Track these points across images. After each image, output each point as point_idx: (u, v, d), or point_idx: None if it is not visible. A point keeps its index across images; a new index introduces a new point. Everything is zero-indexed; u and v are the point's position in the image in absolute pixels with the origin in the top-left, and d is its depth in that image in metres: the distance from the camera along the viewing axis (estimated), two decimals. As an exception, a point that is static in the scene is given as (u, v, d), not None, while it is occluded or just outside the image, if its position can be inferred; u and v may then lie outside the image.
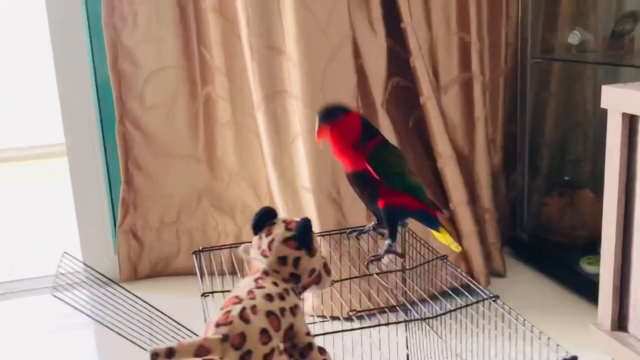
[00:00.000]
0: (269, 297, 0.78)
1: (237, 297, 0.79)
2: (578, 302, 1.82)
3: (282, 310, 0.78)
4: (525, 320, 0.93)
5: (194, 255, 1.21)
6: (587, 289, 1.81)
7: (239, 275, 1.19)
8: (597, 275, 1.77)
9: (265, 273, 0.83)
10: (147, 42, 1.97)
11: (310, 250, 0.84)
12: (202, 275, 1.15)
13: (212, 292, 1.07)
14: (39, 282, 2.14)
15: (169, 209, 2.11)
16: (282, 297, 0.80)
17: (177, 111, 2.03)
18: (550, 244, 2.03)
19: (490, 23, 1.99)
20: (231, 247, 1.26)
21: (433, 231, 1.21)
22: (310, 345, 0.81)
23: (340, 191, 1.81)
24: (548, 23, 2.01)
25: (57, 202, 3.07)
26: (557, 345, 0.86)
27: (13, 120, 4.03)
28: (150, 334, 0.94)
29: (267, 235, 0.85)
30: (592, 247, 1.93)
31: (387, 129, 1.83)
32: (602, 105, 1.39)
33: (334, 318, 0.94)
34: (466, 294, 1.03)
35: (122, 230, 2.09)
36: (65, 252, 1.06)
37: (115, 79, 1.99)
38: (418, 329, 1.19)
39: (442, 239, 1.20)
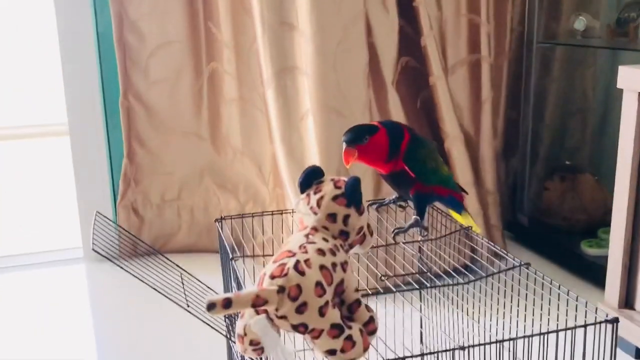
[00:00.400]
0: (321, 252, 0.79)
1: (289, 251, 0.78)
2: (579, 284, 1.85)
3: (334, 265, 0.79)
4: (560, 285, 0.94)
5: (216, 223, 1.21)
6: (587, 271, 1.84)
7: (245, 247, 1.19)
8: (598, 257, 1.82)
9: (315, 229, 0.83)
10: (153, 15, 1.96)
11: (359, 209, 0.84)
12: (225, 242, 1.14)
13: (240, 257, 1.07)
14: (39, 257, 2.12)
15: (170, 186, 2.09)
16: (333, 253, 0.80)
17: (181, 87, 2.02)
18: (551, 227, 2.06)
19: (496, 7, 2.00)
20: (253, 216, 1.26)
21: (453, 213, 1.22)
22: (358, 301, 0.82)
23: (348, 169, 1.80)
24: (553, 8, 2.03)
25: (58, 175, 3.02)
26: (596, 307, 0.87)
27: (7, 102, 3.96)
28: (185, 294, 0.93)
29: (316, 192, 0.85)
30: (592, 230, 1.97)
31: (396, 109, 1.84)
32: (618, 86, 1.41)
33: (375, 294, 0.95)
34: (497, 262, 1.04)
35: (122, 205, 2.07)
36: (97, 212, 1.04)
37: (120, 52, 1.96)
38: (446, 298, 1.20)
39: (463, 220, 1.22)
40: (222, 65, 1.99)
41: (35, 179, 3.19)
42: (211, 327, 0.94)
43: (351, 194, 0.84)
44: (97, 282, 1.96)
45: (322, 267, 0.77)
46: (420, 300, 1.28)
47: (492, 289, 1.00)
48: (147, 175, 2.07)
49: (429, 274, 1.01)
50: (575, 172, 2.06)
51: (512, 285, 0.99)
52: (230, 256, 1.08)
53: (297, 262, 0.76)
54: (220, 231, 1.20)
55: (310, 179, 0.86)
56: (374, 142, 1.08)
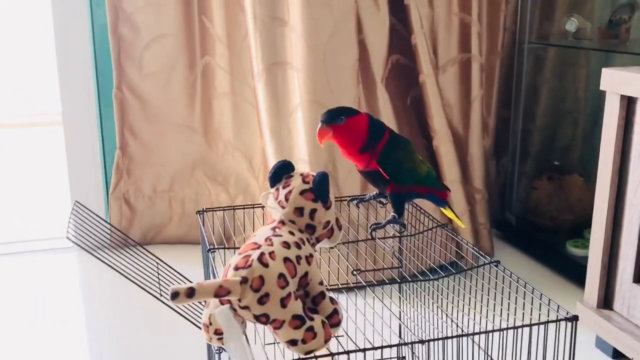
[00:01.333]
0: (286, 245, 0.80)
1: (255, 243, 0.80)
2: (563, 283, 1.86)
3: (298, 258, 0.80)
4: (526, 283, 0.96)
5: (197, 215, 1.23)
6: (572, 271, 1.85)
7: (234, 240, 1.21)
8: (583, 257, 1.83)
9: (282, 223, 0.85)
10: (147, 8, 1.97)
11: (326, 203, 0.86)
12: (204, 234, 1.16)
13: (217, 248, 1.09)
14: (32, 245, 2.14)
15: (162, 177, 2.11)
16: (298, 246, 0.82)
17: (174, 79, 2.03)
18: (538, 227, 2.07)
19: (489, 7, 2.02)
20: (234, 209, 1.28)
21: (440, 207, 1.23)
22: (322, 294, 0.84)
23: (336, 164, 1.83)
24: (546, 9, 2.04)
25: (50, 165, 3.06)
26: (558, 305, 0.89)
27: (3, 92, 4.00)
28: (159, 284, 0.95)
29: (285, 187, 0.87)
30: (579, 230, 1.98)
31: (385, 106, 1.86)
32: (602, 88, 1.42)
33: (348, 288, 0.96)
34: (469, 260, 1.06)
35: (114, 196, 2.09)
36: (76, 202, 1.06)
37: (114, 44, 1.98)
38: (420, 297, 1.21)
39: (448, 214, 1.23)
40: (215, 59, 2.01)
41: (30, 167, 3.22)
42: (183, 316, 0.96)
43: (318, 188, 0.85)
44: (88, 270, 1.99)
45: (286, 260, 0.79)
46: (391, 296, 1.30)
47: (461, 286, 1.02)
48: (139, 167, 2.09)
49: (400, 270, 1.03)
50: (563, 172, 2.07)
51: (482, 283, 1.01)
52: (208, 248, 1.11)
53: (262, 254, 0.78)
54: (201, 223, 1.22)
55: (280, 173, 0.88)
56: (351, 124, 1.08)
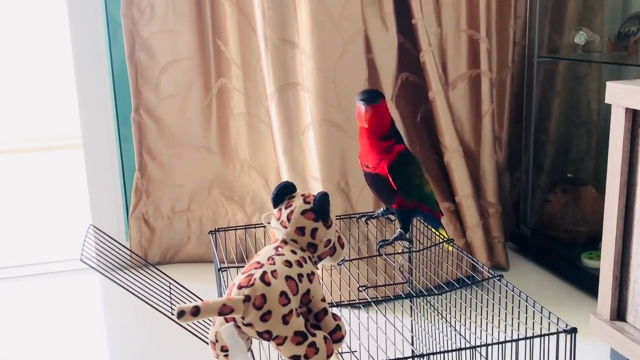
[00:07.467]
0: (287, 263, 0.84)
1: (258, 262, 0.84)
2: (578, 295, 1.86)
3: (300, 276, 0.83)
4: (527, 296, 0.97)
5: (210, 235, 1.26)
6: (587, 283, 1.85)
7: (246, 259, 1.24)
8: (597, 269, 1.82)
9: (284, 242, 0.88)
10: (163, 34, 2.03)
11: (327, 222, 0.89)
12: (218, 252, 1.20)
13: (228, 267, 1.12)
14: (54, 266, 2.20)
15: (180, 197, 2.16)
16: (300, 264, 0.85)
17: (191, 102, 2.08)
18: (553, 239, 2.07)
19: (498, 22, 2.04)
20: (245, 228, 1.31)
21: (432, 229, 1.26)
22: (325, 311, 0.86)
23: (348, 181, 1.86)
24: (555, 23, 2.06)
25: (70, 188, 3.13)
26: (558, 318, 0.91)
27: (24, 116, 4.10)
28: (171, 303, 0.99)
29: (287, 207, 0.90)
30: (593, 242, 1.98)
31: (396, 123, 1.88)
32: (607, 101, 1.44)
33: (352, 304, 0.98)
34: (473, 275, 1.08)
35: (134, 217, 2.14)
36: (91, 225, 1.11)
37: (132, 69, 2.04)
38: (423, 311, 1.23)
39: (443, 233, 1.25)
40: (230, 81, 2.06)
41: (51, 189, 3.30)
42: (194, 334, 0.99)
43: (319, 208, 0.88)
44: (111, 290, 2.03)
45: (288, 278, 0.82)
46: (394, 311, 1.32)
47: (465, 300, 1.04)
48: (157, 188, 2.14)
49: (406, 285, 1.05)
50: (577, 184, 2.08)
51: (487, 299, 1.03)
52: (219, 267, 1.14)
53: (264, 272, 0.81)
54: (213, 243, 1.25)
55: (283, 194, 0.91)
56: (383, 106, 1.10)
